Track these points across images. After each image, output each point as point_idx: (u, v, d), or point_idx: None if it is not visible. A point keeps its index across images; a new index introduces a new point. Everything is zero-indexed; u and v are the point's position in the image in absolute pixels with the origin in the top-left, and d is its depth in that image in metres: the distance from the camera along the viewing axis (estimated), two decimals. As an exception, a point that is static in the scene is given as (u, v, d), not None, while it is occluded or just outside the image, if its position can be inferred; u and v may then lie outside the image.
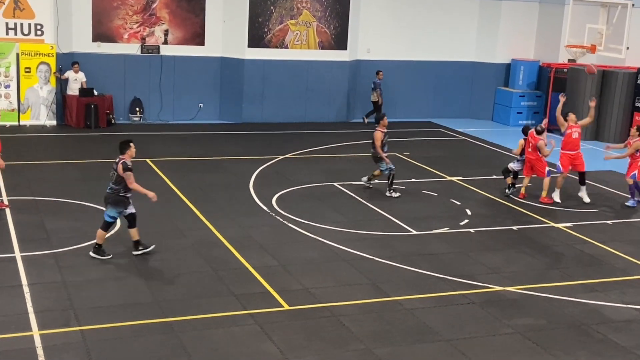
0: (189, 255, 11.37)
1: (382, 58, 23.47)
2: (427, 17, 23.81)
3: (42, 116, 20.11)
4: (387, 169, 15.06)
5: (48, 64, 19.91)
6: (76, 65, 20.12)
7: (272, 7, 21.71)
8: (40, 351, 8.27)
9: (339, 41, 22.56)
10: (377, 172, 15.35)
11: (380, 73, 22.46)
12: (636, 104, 22.09)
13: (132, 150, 10.93)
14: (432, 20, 23.88)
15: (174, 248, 11.65)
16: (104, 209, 13.60)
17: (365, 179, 15.60)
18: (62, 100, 20.32)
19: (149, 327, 9.00)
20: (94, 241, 11.09)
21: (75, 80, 20.14)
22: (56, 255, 11.04)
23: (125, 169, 10.70)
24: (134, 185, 10.80)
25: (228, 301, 9.81)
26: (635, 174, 15.04)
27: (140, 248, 11.18)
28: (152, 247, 11.29)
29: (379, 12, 23.28)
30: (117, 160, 10.84)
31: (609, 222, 14.20)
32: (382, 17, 23.32)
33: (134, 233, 11.12)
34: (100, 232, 11.00)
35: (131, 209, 11.05)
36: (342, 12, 22.41)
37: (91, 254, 11.01)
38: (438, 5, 23.92)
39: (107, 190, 10.93)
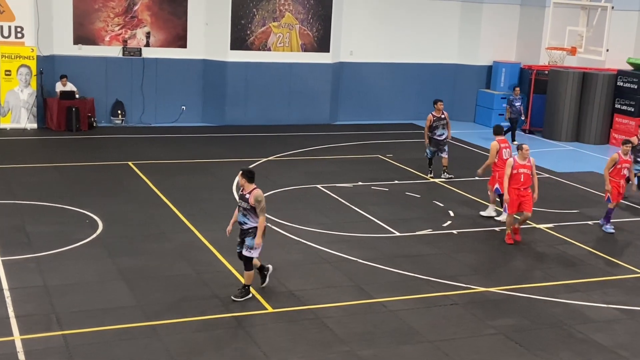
0: (173, 259, 11.32)
1: (364, 60, 23.51)
2: (409, 20, 23.88)
3: (23, 119, 19.94)
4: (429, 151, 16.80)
5: (29, 67, 19.77)
6: (64, 79, 20.02)
7: (254, 10, 21.69)
8: (21, 356, 8.19)
9: (322, 43, 22.58)
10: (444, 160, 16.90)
11: (517, 89, 21.50)
12: (616, 106, 22.29)
13: None
14: (414, 23, 23.95)
15: (157, 251, 11.60)
16: (84, 211, 13.52)
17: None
18: (42, 103, 20.18)
19: (132, 331, 8.95)
20: (76, 244, 11.00)
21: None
22: (38, 259, 10.95)
23: None
24: None
25: (212, 304, 9.78)
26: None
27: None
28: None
29: (362, 14, 23.32)
30: None
31: (589, 222, 14.31)
32: (364, 20, 23.37)
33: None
34: None
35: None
36: (324, 15, 22.43)
37: None
38: (420, 7, 24.00)
39: None
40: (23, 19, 19.72)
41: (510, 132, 21.11)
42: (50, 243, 11.59)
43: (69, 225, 12.52)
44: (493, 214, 14.18)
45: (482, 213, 14.31)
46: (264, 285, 10.32)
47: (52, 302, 9.57)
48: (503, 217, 13.59)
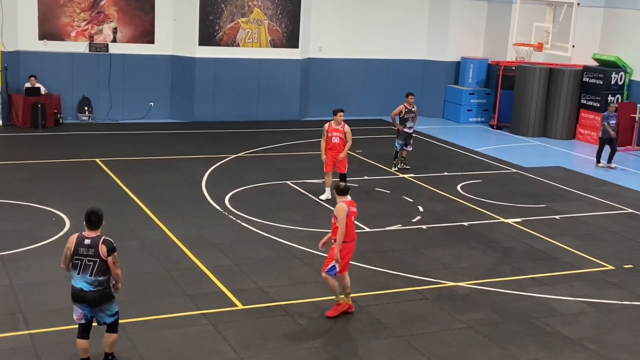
0: (141, 256, 11.23)
1: (333, 56, 23.54)
2: (378, 16, 23.94)
3: (-13, 116, 19.65)
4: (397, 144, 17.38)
5: (-7, 63, 19.48)
6: (33, 78, 19.75)
7: (222, 5, 21.57)
8: (-13, 356, 8.09)
9: (291, 39, 22.54)
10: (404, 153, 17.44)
11: (613, 105, 19.13)
12: (582, 101, 22.57)
13: None
14: (383, 19, 24.02)
15: (125, 249, 11.45)
16: (50, 209, 13.35)
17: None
18: (7, 99, 19.87)
19: (100, 329, 8.85)
20: (43, 242, 10.86)
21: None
22: (3, 258, 10.79)
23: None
24: None
25: (181, 301, 9.73)
26: None
27: None
28: None
29: (331, 10, 23.32)
30: None
31: (557, 217, 14.48)
32: (333, 16, 23.37)
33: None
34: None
35: None
36: (293, 10, 22.39)
37: None
38: (389, 3, 24.06)
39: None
40: (-14, 14, 19.40)
41: (600, 152, 18.95)
42: (16, 241, 11.42)
43: (35, 223, 12.35)
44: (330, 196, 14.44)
45: (321, 197, 14.57)
46: None
47: (18, 301, 9.44)
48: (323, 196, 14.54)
